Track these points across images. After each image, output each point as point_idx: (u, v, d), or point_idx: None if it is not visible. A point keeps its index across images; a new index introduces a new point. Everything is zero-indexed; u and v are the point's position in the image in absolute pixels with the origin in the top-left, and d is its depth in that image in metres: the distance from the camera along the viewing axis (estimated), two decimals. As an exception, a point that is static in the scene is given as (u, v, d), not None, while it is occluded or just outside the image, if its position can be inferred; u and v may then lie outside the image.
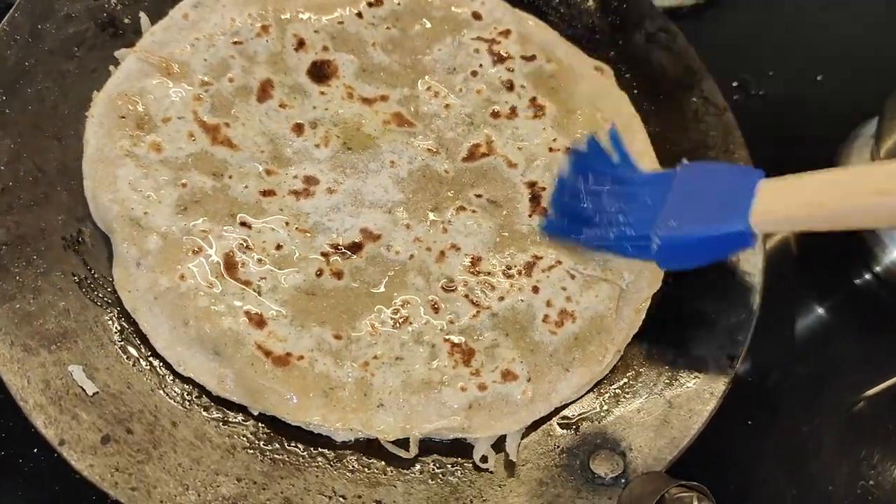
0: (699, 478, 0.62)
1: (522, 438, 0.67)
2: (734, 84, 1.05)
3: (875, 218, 0.58)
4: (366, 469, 0.64)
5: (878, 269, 0.94)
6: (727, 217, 0.60)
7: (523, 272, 0.72)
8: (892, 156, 0.90)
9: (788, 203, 0.59)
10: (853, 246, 0.95)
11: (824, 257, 0.97)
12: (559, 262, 0.73)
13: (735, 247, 0.63)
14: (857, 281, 0.95)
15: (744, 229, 0.59)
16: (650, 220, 0.63)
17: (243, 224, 0.70)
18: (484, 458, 0.65)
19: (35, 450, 0.68)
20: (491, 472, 0.65)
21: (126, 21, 0.76)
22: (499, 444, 0.67)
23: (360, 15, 0.81)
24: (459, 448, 0.67)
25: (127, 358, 0.65)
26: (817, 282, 0.96)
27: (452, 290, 0.71)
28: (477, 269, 0.72)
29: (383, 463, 0.65)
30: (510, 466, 0.66)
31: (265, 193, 0.72)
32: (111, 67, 0.74)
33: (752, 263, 0.76)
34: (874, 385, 0.88)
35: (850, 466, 0.82)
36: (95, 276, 0.67)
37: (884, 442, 0.84)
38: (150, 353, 0.65)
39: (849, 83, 1.08)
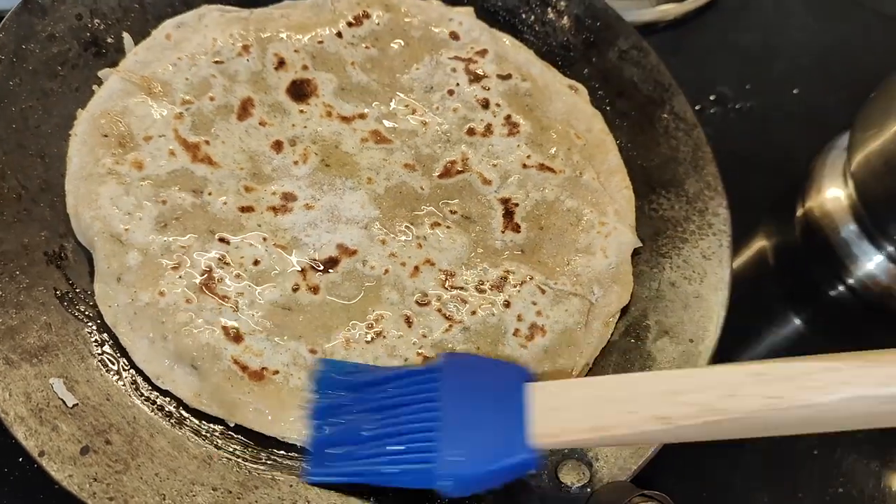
0: (673, 486, 0.63)
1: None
2: (711, 97, 1.07)
3: (651, 438, 0.59)
4: (339, 479, 0.66)
5: (851, 281, 0.96)
6: (509, 448, 0.57)
7: (495, 287, 0.74)
8: (862, 168, 0.91)
9: (565, 427, 0.56)
10: (825, 257, 0.97)
11: (799, 269, 0.99)
12: (530, 278, 0.75)
13: (524, 470, 0.59)
14: (832, 293, 0.97)
15: (528, 458, 0.57)
16: (427, 453, 0.58)
17: (222, 240, 0.72)
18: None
19: (20, 459, 0.70)
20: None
21: (109, 41, 0.78)
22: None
23: (339, 34, 0.83)
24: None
25: (106, 371, 0.67)
26: (792, 293, 0.97)
27: (426, 305, 0.73)
28: (450, 283, 0.74)
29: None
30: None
31: (244, 209, 0.73)
32: (94, 87, 0.76)
33: (718, 277, 0.77)
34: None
35: (821, 474, 0.84)
36: (77, 291, 0.69)
37: (853, 450, 0.86)
38: (129, 366, 0.67)
39: (825, 96, 1.10)
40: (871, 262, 0.95)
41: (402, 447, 0.59)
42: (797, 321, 0.95)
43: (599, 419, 0.55)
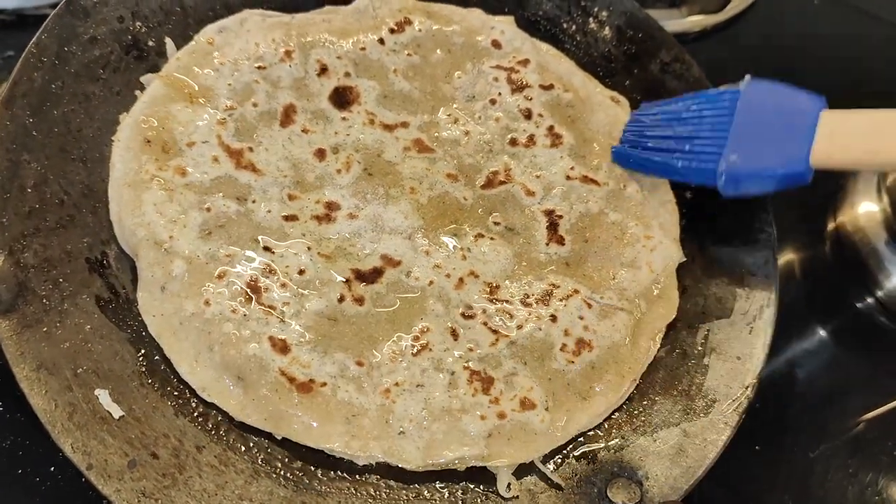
0: (709, 504, 0.63)
1: (542, 465, 0.68)
2: (742, 110, 1.06)
3: None
4: (386, 494, 0.65)
5: (879, 293, 0.96)
6: (787, 156, 0.63)
7: (541, 300, 0.73)
8: (899, 188, 0.92)
9: (847, 146, 0.61)
10: (856, 271, 0.96)
11: (827, 282, 0.98)
12: (576, 291, 0.74)
13: (793, 182, 0.66)
14: (859, 305, 0.97)
15: (803, 170, 0.63)
16: (715, 152, 0.67)
17: (266, 248, 0.71)
18: (508, 487, 0.66)
19: (52, 468, 0.68)
20: (513, 499, 0.66)
21: (150, 44, 0.77)
22: (518, 471, 0.68)
23: (381, 41, 0.82)
24: (478, 473, 0.67)
25: (151, 382, 0.65)
26: (821, 306, 0.97)
27: (471, 318, 0.72)
28: (495, 296, 0.73)
29: (404, 488, 0.66)
30: (529, 494, 0.67)
31: (288, 218, 0.72)
32: (136, 91, 0.75)
33: (765, 293, 0.77)
34: (877, 409, 0.89)
35: (856, 493, 0.84)
36: (120, 299, 0.68)
37: (887, 468, 0.85)
38: (174, 378, 0.66)
39: (854, 110, 1.10)
40: (903, 276, 0.95)
41: (692, 147, 0.69)
42: (823, 333, 0.94)
43: (873, 144, 0.60)
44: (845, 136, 0.61)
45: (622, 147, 0.78)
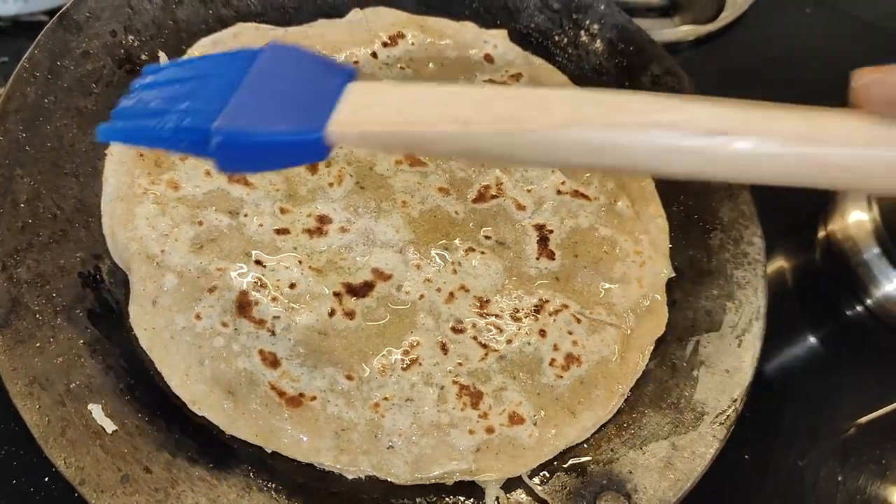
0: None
1: (529, 480, 0.69)
2: (734, 119, 1.07)
3: (446, 143, 0.51)
4: (376, 508, 0.66)
5: (869, 302, 0.96)
6: (302, 122, 0.51)
7: (530, 315, 0.74)
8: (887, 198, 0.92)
9: (366, 118, 0.51)
10: (846, 279, 0.97)
11: (818, 290, 0.99)
12: (566, 306, 0.74)
13: (307, 157, 0.55)
14: (850, 314, 0.97)
15: (317, 139, 0.51)
16: (214, 111, 0.52)
17: (258, 262, 0.71)
18: (496, 501, 0.67)
19: (46, 479, 0.69)
20: (501, 514, 0.67)
21: (143, 57, 0.78)
22: (506, 486, 0.68)
23: (374, 55, 0.82)
24: (467, 488, 0.68)
25: (143, 396, 0.66)
26: (811, 314, 0.98)
27: (461, 332, 0.72)
28: (485, 310, 0.74)
29: (394, 502, 0.66)
30: (517, 508, 0.68)
31: (279, 232, 0.73)
32: (129, 105, 0.75)
33: (754, 307, 0.78)
34: (865, 416, 0.90)
35: (844, 500, 0.84)
36: (113, 314, 0.68)
37: (876, 477, 0.86)
38: (166, 391, 0.66)
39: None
40: (891, 285, 0.95)
41: (189, 106, 0.54)
42: (813, 340, 0.95)
43: (401, 115, 0.51)
44: (373, 105, 0.51)
45: (111, 123, 0.58)
